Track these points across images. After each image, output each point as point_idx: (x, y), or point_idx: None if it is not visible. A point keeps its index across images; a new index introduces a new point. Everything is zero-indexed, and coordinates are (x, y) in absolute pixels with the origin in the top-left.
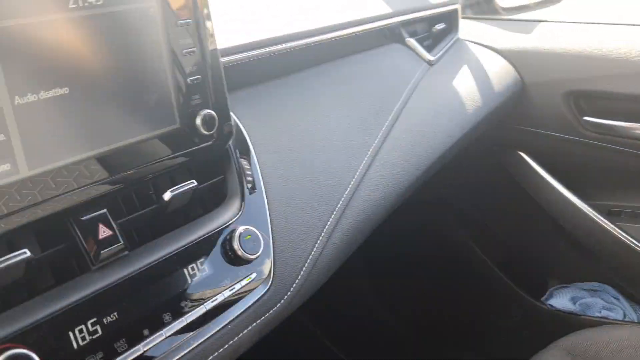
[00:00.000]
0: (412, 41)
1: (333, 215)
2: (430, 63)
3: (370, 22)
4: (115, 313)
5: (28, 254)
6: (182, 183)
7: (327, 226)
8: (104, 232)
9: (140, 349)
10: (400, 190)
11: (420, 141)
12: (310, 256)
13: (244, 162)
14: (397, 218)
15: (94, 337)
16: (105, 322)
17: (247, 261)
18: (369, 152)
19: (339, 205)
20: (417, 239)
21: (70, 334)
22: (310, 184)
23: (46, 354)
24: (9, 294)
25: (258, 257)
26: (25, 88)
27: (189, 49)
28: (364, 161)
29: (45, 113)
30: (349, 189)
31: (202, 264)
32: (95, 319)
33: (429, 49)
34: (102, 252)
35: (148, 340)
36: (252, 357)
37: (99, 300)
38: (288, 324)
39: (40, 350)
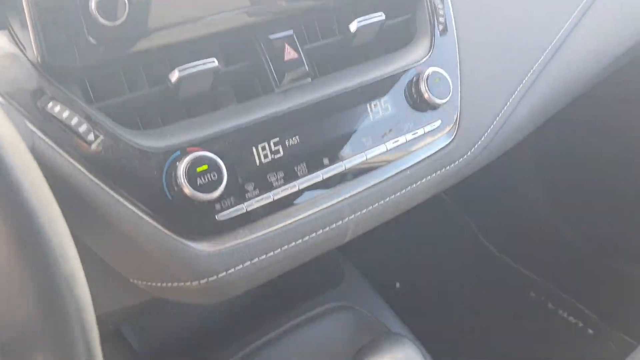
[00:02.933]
0: None
1: (527, 77)
2: None
3: None
4: (297, 137)
5: (216, 63)
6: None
7: (519, 87)
8: (289, 54)
9: (319, 175)
10: (596, 70)
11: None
12: (500, 114)
13: (436, 1)
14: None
15: (275, 156)
16: (287, 144)
17: (434, 106)
18: (574, 14)
19: (534, 68)
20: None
21: (254, 149)
22: (506, 38)
23: (231, 164)
24: (195, 104)
25: (446, 102)
26: None
27: None
28: (566, 24)
29: None
30: (546, 51)
31: (385, 102)
32: (277, 139)
33: None
34: (286, 73)
35: (328, 169)
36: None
37: (281, 122)
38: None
39: (225, 159)
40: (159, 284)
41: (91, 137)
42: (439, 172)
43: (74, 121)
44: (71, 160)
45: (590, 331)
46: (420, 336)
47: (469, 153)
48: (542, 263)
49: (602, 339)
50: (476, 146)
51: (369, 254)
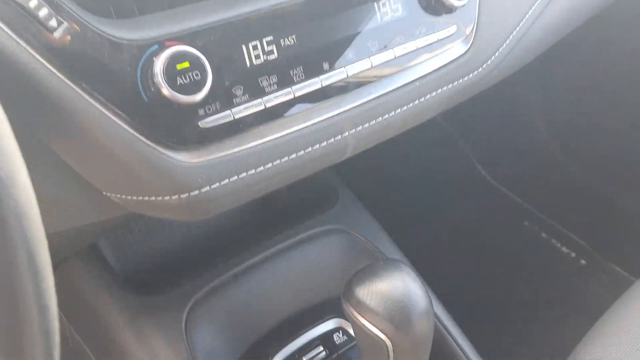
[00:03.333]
0: None
1: None
2: None
3: None
4: (293, 36)
5: None
6: None
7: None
8: None
9: (318, 82)
10: None
11: None
12: (517, 27)
13: None
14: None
15: (269, 57)
16: (282, 43)
17: (450, 9)
18: None
19: None
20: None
21: (244, 47)
22: None
23: (217, 63)
24: None
25: (463, 5)
26: None
27: None
28: None
29: None
30: None
31: (395, 2)
32: (271, 37)
33: None
34: None
35: (327, 75)
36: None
37: (277, 18)
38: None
39: (210, 56)
40: (134, 198)
41: (53, 23)
42: (450, 85)
43: (33, 3)
44: (31, 51)
45: (583, 262)
46: (414, 261)
47: (483, 66)
48: (537, 193)
49: (594, 270)
50: (491, 59)
51: (361, 175)
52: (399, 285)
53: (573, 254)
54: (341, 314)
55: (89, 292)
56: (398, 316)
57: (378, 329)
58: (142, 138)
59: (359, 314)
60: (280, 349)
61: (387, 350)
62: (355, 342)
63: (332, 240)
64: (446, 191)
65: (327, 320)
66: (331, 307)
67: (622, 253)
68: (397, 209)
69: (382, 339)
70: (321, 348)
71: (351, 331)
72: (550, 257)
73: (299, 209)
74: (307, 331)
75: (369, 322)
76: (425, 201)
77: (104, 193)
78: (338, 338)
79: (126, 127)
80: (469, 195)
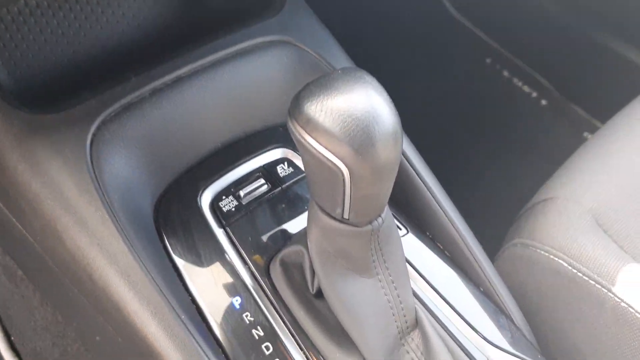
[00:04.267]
0: None
1: None
2: None
3: None
4: None
5: None
6: None
7: None
8: None
9: None
10: None
11: None
12: None
13: None
14: None
15: None
16: None
17: None
18: None
19: None
20: None
21: None
22: None
23: None
24: None
25: None
26: None
27: None
28: None
29: None
30: None
31: None
32: None
33: None
34: None
35: None
36: None
37: None
38: None
39: None
40: None
41: None
42: None
43: None
44: None
45: (544, 102)
46: None
47: None
48: (502, 29)
49: (556, 110)
50: None
51: None
52: (361, 100)
53: (535, 94)
54: (288, 143)
55: None
56: (359, 137)
57: (332, 153)
58: None
59: (309, 134)
60: (212, 182)
61: (343, 181)
62: (303, 174)
63: (276, 53)
64: (410, 25)
65: (270, 149)
66: (275, 134)
67: (586, 94)
68: (355, 27)
69: (337, 166)
70: (262, 181)
71: (298, 162)
72: (511, 95)
73: (237, 12)
74: (245, 162)
75: (321, 145)
76: (387, 34)
77: None
78: (283, 170)
79: None
80: (433, 29)
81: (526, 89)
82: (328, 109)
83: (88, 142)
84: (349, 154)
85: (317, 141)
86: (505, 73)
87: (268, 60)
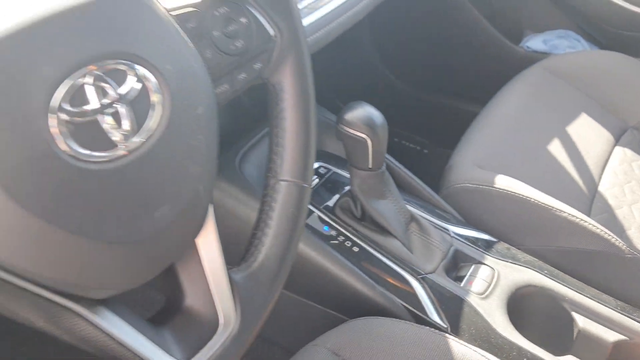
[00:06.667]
0: None
1: None
2: None
3: None
4: None
5: None
6: None
7: None
8: None
9: None
10: None
11: None
12: None
13: None
14: None
15: None
16: None
17: None
18: None
19: None
20: None
21: None
22: None
23: None
24: None
25: None
26: None
27: None
28: None
29: None
30: None
31: None
32: None
33: None
34: None
35: None
36: None
37: None
38: None
39: None
40: None
41: None
42: None
43: None
44: None
45: (425, 151)
46: None
47: None
48: (382, 110)
49: (434, 155)
50: None
51: None
52: (367, 110)
53: (418, 147)
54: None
55: None
56: (371, 124)
57: (361, 132)
58: None
59: (348, 127)
60: None
61: (367, 145)
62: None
63: None
64: None
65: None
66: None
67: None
68: None
69: (363, 139)
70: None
71: (329, 165)
72: (401, 152)
73: None
74: None
75: (355, 131)
76: None
77: None
78: (323, 169)
79: None
80: None
81: (411, 145)
82: (355, 115)
83: None
84: (368, 132)
85: (353, 129)
86: (395, 139)
87: None
